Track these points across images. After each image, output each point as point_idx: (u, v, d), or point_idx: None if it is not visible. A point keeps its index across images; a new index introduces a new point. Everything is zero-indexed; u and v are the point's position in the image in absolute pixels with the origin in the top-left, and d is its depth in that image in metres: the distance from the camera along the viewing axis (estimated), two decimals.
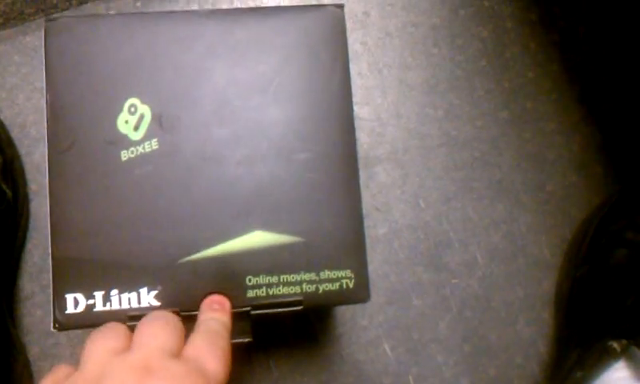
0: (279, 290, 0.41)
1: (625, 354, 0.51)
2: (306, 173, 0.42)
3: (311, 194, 0.42)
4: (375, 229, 0.63)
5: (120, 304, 0.40)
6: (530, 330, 0.62)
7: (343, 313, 0.62)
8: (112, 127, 0.41)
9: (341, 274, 0.41)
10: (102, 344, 0.36)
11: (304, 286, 0.41)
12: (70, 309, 0.40)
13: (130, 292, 0.40)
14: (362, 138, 0.64)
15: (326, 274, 0.41)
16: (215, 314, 0.39)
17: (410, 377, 0.61)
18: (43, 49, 0.42)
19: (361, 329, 0.62)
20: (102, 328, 0.38)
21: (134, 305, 0.40)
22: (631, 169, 0.64)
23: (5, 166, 0.56)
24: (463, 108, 0.65)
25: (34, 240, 0.59)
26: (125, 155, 0.41)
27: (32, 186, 0.60)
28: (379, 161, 0.64)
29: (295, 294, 0.41)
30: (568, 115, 0.65)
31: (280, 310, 0.41)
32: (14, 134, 0.62)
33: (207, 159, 0.41)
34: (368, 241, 0.62)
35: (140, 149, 0.41)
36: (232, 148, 0.42)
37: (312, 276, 0.41)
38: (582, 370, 0.53)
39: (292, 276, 0.40)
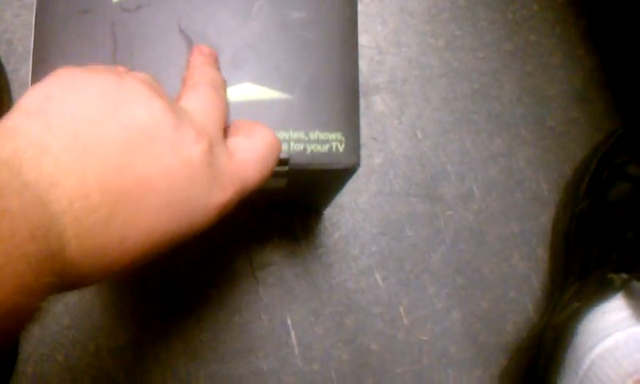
0: None
1: (624, 288, 0.50)
2: (301, 32, 0.40)
3: (305, 53, 0.40)
4: (371, 158, 0.62)
5: None
6: (524, 265, 0.61)
7: (336, 242, 0.61)
8: None
9: (331, 136, 0.39)
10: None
11: (291, 144, 0.39)
12: None
13: None
14: (361, 65, 0.63)
15: (316, 134, 0.39)
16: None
17: (401, 307, 0.60)
18: None
19: (352, 258, 0.60)
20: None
21: None
22: (634, 105, 0.63)
23: None
24: (465, 38, 0.63)
25: None
26: None
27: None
28: (377, 90, 0.63)
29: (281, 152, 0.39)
30: (571, 50, 0.64)
31: None
32: (1, 50, 0.61)
33: (200, 7, 0.40)
34: (363, 170, 0.61)
35: None
36: None
37: (300, 135, 0.39)
38: (580, 300, 0.52)
39: (279, 133, 0.39)
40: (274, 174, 0.38)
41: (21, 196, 0.23)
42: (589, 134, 0.62)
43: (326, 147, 0.39)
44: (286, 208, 0.61)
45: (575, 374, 0.47)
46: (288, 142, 0.39)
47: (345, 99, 0.40)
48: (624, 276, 0.50)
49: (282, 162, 0.39)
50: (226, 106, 0.34)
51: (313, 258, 0.60)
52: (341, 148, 0.39)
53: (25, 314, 0.23)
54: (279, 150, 0.35)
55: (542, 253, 0.61)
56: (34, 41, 0.39)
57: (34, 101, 0.27)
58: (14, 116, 0.27)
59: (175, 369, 0.58)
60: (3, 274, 0.21)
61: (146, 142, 0.27)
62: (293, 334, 0.59)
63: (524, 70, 0.63)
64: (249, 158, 0.32)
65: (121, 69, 0.34)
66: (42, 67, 0.39)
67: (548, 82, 0.63)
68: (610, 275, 0.51)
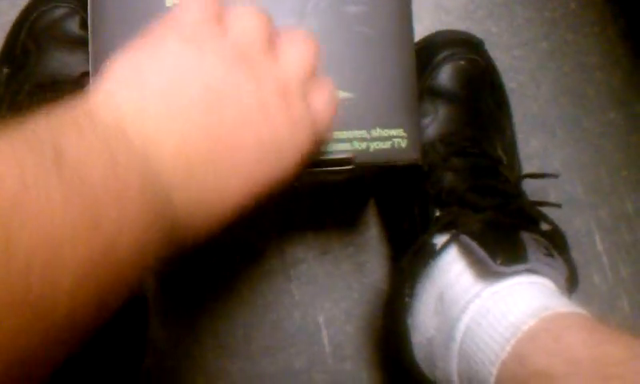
0: (329, 147, 0.39)
1: (455, 243, 0.47)
2: (357, 27, 0.40)
3: (363, 49, 0.40)
4: None
5: None
6: None
7: (367, 240, 0.60)
8: None
9: (392, 132, 0.39)
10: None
11: (354, 143, 0.39)
12: None
13: None
14: None
15: (378, 131, 0.39)
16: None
17: None
18: None
19: (384, 257, 0.60)
20: None
21: None
22: None
23: None
24: (501, 36, 0.63)
25: None
26: (170, 1, 0.39)
27: None
28: None
29: (345, 151, 0.39)
30: (610, 50, 0.63)
31: (330, 168, 0.39)
32: None
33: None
34: None
35: None
36: None
37: (363, 133, 0.39)
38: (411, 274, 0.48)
39: (342, 133, 0.39)
40: (338, 171, 0.37)
41: (129, 155, 0.25)
42: (626, 136, 0.62)
43: (388, 144, 0.39)
44: (319, 204, 0.60)
45: (453, 341, 0.45)
46: (350, 141, 0.39)
47: (404, 94, 0.39)
48: (445, 236, 0.47)
49: (346, 160, 0.38)
50: (316, 58, 0.35)
51: (344, 257, 0.60)
52: (403, 144, 0.39)
53: (139, 269, 0.25)
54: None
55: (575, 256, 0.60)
56: (91, 53, 0.40)
57: (126, 71, 0.29)
58: (109, 83, 0.29)
59: (206, 365, 0.57)
60: (121, 227, 0.23)
61: (229, 100, 0.29)
62: (324, 332, 0.58)
63: (561, 70, 0.62)
64: (322, 112, 0.34)
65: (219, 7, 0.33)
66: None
67: (585, 82, 0.62)
68: (429, 240, 0.47)
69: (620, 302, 0.61)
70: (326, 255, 0.59)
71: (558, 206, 0.50)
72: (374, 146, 0.39)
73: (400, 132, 0.39)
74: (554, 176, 0.52)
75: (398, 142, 0.39)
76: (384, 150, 0.39)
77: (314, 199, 0.59)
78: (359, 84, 0.39)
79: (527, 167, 0.60)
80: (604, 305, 0.61)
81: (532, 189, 0.59)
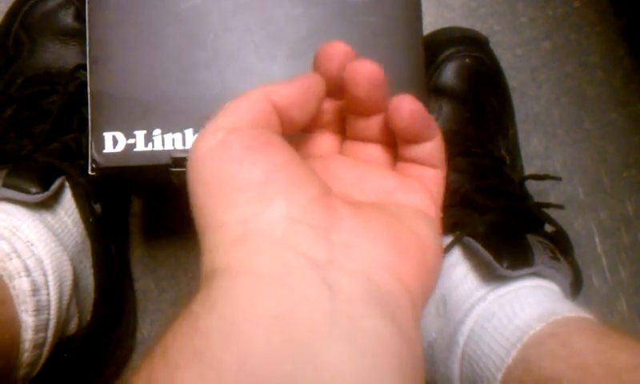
0: None
1: (459, 245, 0.46)
2: (364, 16, 0.38)
3: (369, 39, 0.38)
4: None
5: (163, 145, 0.37)
6: None
7: None
8: None
9: None
10: None
11: None
12: (109, 148, 0.37)
13: (174, 133, 0.37)
14: None
15: None
16: None
17: None
18: None
19: None
20: None
21: (179, 146, 0.37)
22: None
23: None
24: (504, 34, 0.62)
25: None
26: None
27: None
28: None
29: None
30: (611, 50, 0.62)
31: None
32: None
33: None
34: None
35: None
36: None
37: None
38: None
39: None
40: None
41: None
42: (626, 137, 0.61)
43: None
44: None
45: (456, 345, 0.44)
46: None
47: (412, 84, 0.38)
48: (449, 238, 0.46)
49: None
50: None
51: None
52: None
53: None
54: None
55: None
56: (89, 41, 0.38)
57: None
58: None
59: None
60: None
61: None
62: None
63: (563, 70, 0.62)
64: None
65: None
66: (98, 67, 0.38)
67: (587, 82, 0.62)
68: None
69: (619, 304, 0.60)
70: None
71: (561, 207, 0.49)
72: None
73: None
74: (557, 178, 0.51)
75: None
76: None
77: None
78: None
79: (528, 167, 0.59)
80: (603, 306, 0.60)
81: (531, 190, 0.58)
